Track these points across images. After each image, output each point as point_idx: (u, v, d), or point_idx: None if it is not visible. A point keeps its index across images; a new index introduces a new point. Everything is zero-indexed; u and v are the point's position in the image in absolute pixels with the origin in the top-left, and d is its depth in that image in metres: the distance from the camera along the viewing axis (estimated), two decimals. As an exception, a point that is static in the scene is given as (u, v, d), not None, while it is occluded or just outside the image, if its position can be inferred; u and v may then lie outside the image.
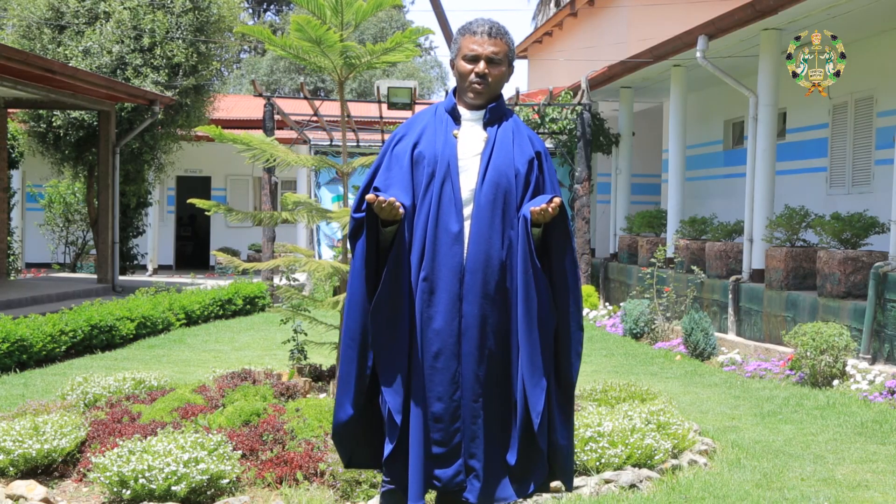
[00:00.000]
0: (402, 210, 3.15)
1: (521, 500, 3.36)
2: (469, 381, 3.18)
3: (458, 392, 3.17)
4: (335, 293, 8.25)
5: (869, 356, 7.84)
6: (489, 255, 3.20)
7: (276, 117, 14.67)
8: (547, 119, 15.41)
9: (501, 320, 3.22)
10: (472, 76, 3.30)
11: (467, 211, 3.24)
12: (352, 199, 6.67)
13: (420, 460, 3.13)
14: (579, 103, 14.88)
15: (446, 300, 3.18)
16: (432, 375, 3.17)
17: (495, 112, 3.35)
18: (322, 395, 5.82)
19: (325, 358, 7.14)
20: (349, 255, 3.56)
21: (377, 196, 3.11)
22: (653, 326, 10.97)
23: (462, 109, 3.36)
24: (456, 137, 3.30)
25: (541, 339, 3.17)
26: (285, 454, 4.64)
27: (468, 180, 3.26)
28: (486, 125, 3.34)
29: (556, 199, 3.17)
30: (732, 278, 10.21)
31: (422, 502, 3.13)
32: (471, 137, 3.32)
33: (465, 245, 3.20)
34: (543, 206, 3.14)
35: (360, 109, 19.98)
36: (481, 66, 3.29)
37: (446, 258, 3.19)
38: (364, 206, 3.21)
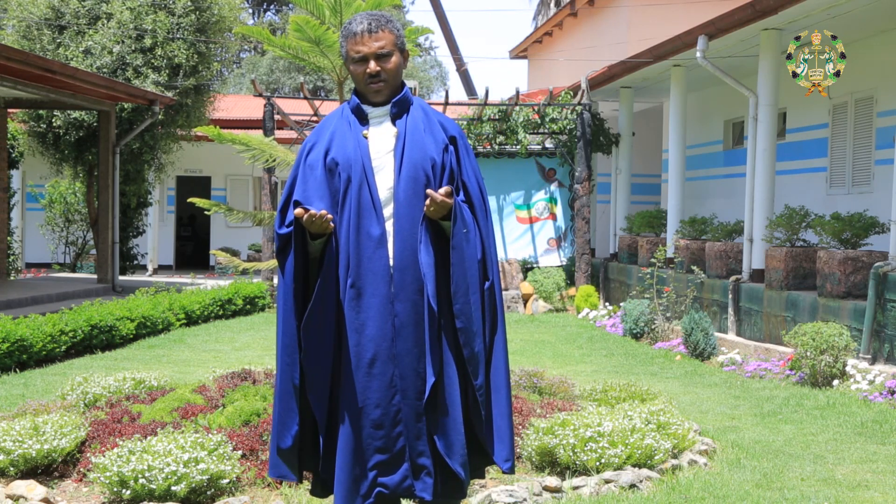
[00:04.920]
0: (332, 224, 3.10)
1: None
2: (410, 380, 3.12)
3: (396, 396, 3.11)
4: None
5: (869, 356, 7.84)
6: (415, 251, 3.13)
7: (276, 117, 14.66)
8: (547, 119, 15.41)
9: None
10: (366, 78, 3.22)
11: (388, 211, 3.17)
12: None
13: (349, 468, 3.09)
14: (579, 103, 14.87)
15: (377, 304, 3.12)
16: (369, 382, 3.11)
17: (401, 104, 3.26)
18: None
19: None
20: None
21: (307, 210, 3.06)
22: (653, 326, 10.96)
23: (367, 107, 3.27)
24: (366, 138, 3.23)
25: (429, 335, 3.12)
26: (285, 454, 4.64)
27: (385, 179, 3.19)
28: (394, 119, 3.26)
29: (443, 189, 3.11)
30: (732, 278, 10.20)
31: None
32: (381, 135, 3.24)
33: (391, 245, 3.14)
34: (427, 202, 3.09)
35: (359, 109, 19.94)
36: (372, 65, 3.20)
37: (371, 262, 3.13)
38: (288, 220, 3.15)
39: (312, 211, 3.05)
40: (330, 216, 3.08)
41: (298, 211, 3.06)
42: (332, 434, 3.16)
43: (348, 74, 5.55)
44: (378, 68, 3.20)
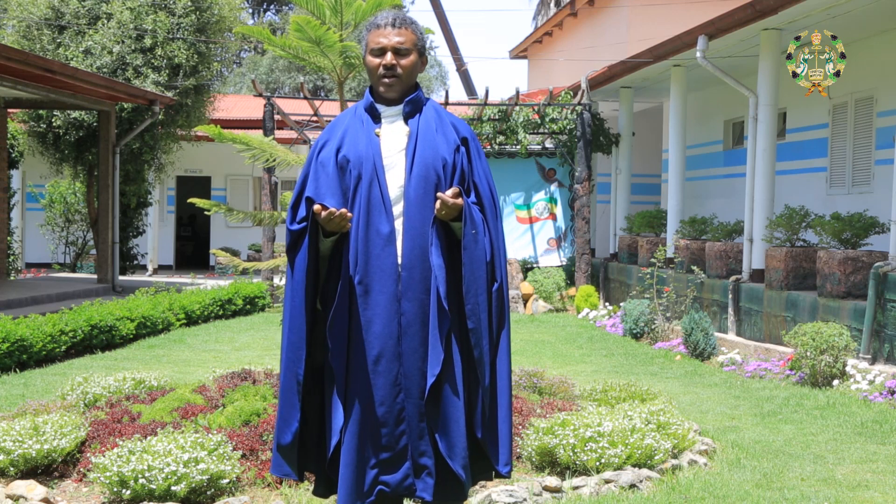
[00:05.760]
0: (350, 223, 3.11)
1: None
2: (415, 379, 3.12)
3: (400, 395, 3.12)
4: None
5: (869, 356, 7.84)
6: (424, 250, 3.14)
7: (276, 117, 14.66)
8: (547, 119, 15.40)
9: None
10: (381, 69, 3.24)
11: (398, 209, 3.18)
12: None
13: (353, 466, 3.09)
14: (579, 103, 14.87)
15: (384, 302, 3.12)
16: (374, 380, 3.11)
17: (414, 103, 3.28)
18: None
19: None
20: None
21: (325, 207, 3.06)
22: (653, 326, 10.96)
23: (381, 106, 3.29)
24: (378, 136, 3.24)
25: (438, 335, 3.11)
26: (285, 454, 4.63)
27: (396, 177, 3.20)
28: (406, 118, 3.27)
29: (450, 190, 3.11)
30: (732, 278, 10.20)
31: None
32: (393, 133, 3.25)
33: (399, 243, 3.15)
34: (437, 204, 3.10)
35: (359, 109, 19.94)
36: (388, 57, 3.23)
37: (379, 260, 3.13)
38: (300, 217, 3.15)
39: (333, 209, 3.05)
40: (350, 214, 3.09)
41: (317, 207, 3.06)
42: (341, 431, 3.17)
43: (348, 74, 5.57)
44: (394, 62, 3.23)
